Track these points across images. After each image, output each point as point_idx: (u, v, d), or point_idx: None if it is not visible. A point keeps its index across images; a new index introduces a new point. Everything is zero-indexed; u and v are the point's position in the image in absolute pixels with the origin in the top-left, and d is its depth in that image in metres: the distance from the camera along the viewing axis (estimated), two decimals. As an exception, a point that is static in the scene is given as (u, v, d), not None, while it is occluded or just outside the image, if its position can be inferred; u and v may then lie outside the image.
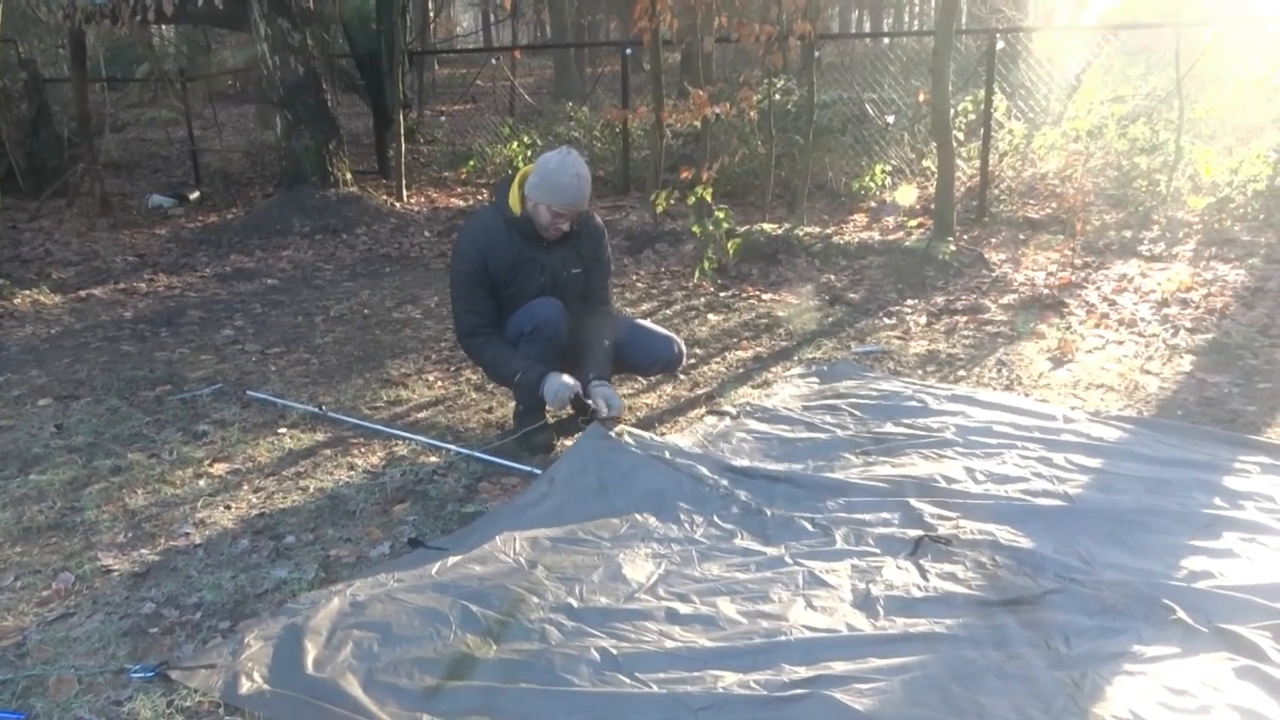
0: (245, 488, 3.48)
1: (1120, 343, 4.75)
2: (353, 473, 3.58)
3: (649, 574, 2.74)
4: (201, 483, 3.53)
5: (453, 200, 9.48)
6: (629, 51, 9.40)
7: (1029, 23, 9.65)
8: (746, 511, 3.08)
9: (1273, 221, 6.77)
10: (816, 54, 7.88)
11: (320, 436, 3.93)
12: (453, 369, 4.75)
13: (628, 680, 2.25)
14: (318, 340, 5.31)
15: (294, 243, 7.91)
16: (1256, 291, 5.43)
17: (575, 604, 2.59)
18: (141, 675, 2.39)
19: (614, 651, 2.36)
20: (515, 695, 2.23)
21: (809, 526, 2.95)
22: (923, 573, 2.66)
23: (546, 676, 2.28)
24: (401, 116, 9.85)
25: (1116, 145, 8.21)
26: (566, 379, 3.63)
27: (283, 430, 3.99)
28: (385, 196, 9.26)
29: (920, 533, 2.85)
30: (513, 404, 3.96)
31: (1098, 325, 5.01)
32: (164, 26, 14.52)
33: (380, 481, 3.49)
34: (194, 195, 9.96)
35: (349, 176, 9.10)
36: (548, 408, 3.76)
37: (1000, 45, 8.03)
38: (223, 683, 2.31)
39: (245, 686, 2.29)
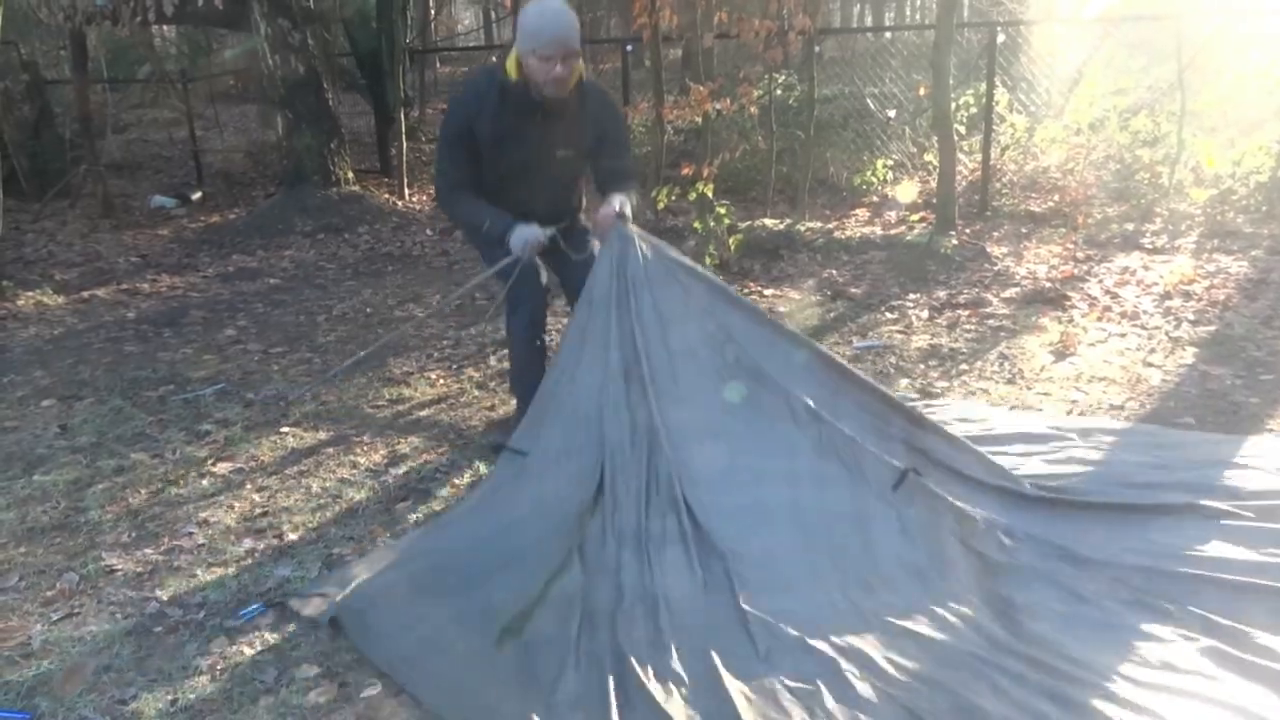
0: (248, 487, 3.49)
1: (1123, 335, 4.75)
2: (355, 471, 3.58)
3: None
4: (205, 482, 3.54)
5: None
6: (629, 49, 9.40)
7: (1030, 16, 9.61)
8: None
9: (1275, 213, 6.76)
10: (817, 49, 7.88)
11: (323, 435, 3.94)
12: (455, 367, 4.75)
13: None
14: (320, 339, 5.32)
15: (296, 242, 7.91)
16: (1259, 283, 5.42)
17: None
18: (253, 612, 2.64)
19: None
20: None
21: None
22: None
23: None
24: (403, 115, 9.85)
25: (1118, 138, 8.19)
26: (535, 227, 3.43)
27: (285, 429, 4.00)
28: (387, 195, 9.27)
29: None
30: (514, 402, 3.96)
31: (1100, 318, 5.01)
32: (165, 27, 14.52)
33: (383, 479, 3.50)
34: (196, 195, 9.96)
35: (351, 175, 9.11)
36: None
37: (1001, 39, 8.00)
38: (331, 609, 2.59)
39: (348, 615, 2.55)
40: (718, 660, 2.31)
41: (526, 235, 3.41)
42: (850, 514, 2.76)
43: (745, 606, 2.48)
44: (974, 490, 2.91)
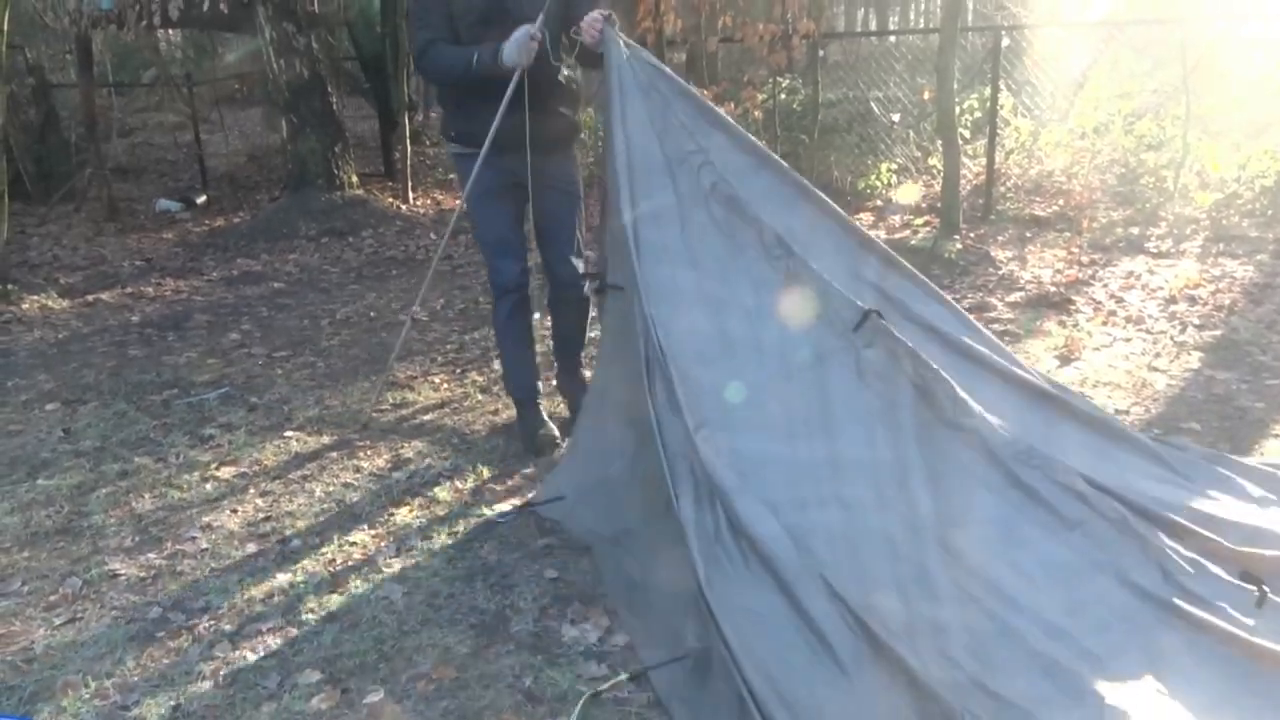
0: (251, 491, 3.49)
1: (1128, 340, 4.73)
2: (359, 475, 3.58)
3: None
4: (208, 487, 3.54)
5: (458, 201, 9.47)
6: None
7: (1034, 19, 9.61)
8: None
9: (1279, 217, 6.75)
10: (821, 53, 7.88)
11: (326, 439, 3.93)
12: (459, 371, 4.75)
13: None
14: (324, 343, 5.32)
15: (300, 246, 7.92)
16: (1265, 287, 5.40)
17: None
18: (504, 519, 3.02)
19: None
20: None
21: None
22: None
23: None
24: (407, 119, 9.86)
25: (1123, 142, 8.17)
26: (521, 29, 3.27)
27: (289, 433, 4.00)
28: (391, 199, 9.27)
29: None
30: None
31: (1105, 323, 4.99)
32: (170, 31, 14.55)
33: (386, 484, 3.50)
34: (201, 199, 9.98)
35: (355, 179, 9.12)
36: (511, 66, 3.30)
37: (1006, 42, 8.00)
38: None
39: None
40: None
41: (518, 39, 3.26)
42: (808, 353, 2.77)
43: (697, 440, 2.50)
44: (938, 342, 2.93)
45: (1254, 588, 2.35)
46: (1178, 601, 2.29)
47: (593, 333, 4.01)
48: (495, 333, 3.87)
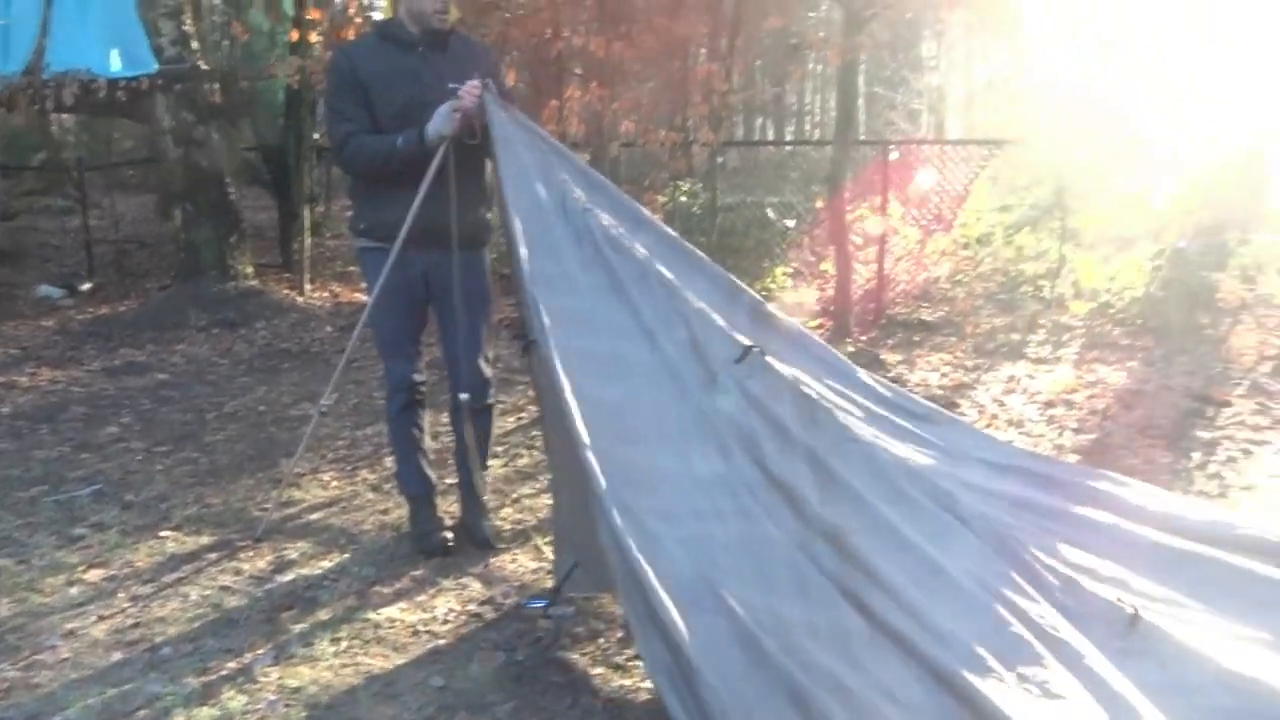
0: (120, 595, 3.30)
1: (1009, 442, 4.89)
2: (238, 578, 3.43)
3: None
4: (74, 590, 3.34)
5: (357, 295, 9.37)
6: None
7: (921, 135, 10.15)
8: None
9: (1149, 326, 7.11)
10: (720, 159, 8.13)
11: (205, 540, 3.77)
12: (349, 469, 4.63)
13: None
14: (208, 438, 5.14)
15: (189, 336, 7.69)
16: (1135, 393, 5.67)
17: None
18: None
19: None
20: None
21: None
22: None
23: None
24: (309, 210, 9.78)
25: (1004, 252, 8.60)
26: (441, 108, 3.28)
27: (165, 533, 3.82)
28: (287, 290, 9.12)
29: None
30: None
31: (988, 425, 5.16)
32: (63, 115, 14.24)
33: (268, 588, 3.35)
34: (86, 286, 9.66)
35: (250, 270, 8.96)
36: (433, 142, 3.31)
37: (894, 155, 8.40)
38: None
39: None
40: None
41: (441, 112, 3.26)
42: (696, 380, 2.85)
43: (587, 451, 2.51)
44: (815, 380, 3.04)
45: (1129, 607, 2.44)
46: (1048, 620, 2.38)
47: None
48: (389, 429, 3.79)
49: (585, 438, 2.53)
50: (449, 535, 3.64)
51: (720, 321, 2.97)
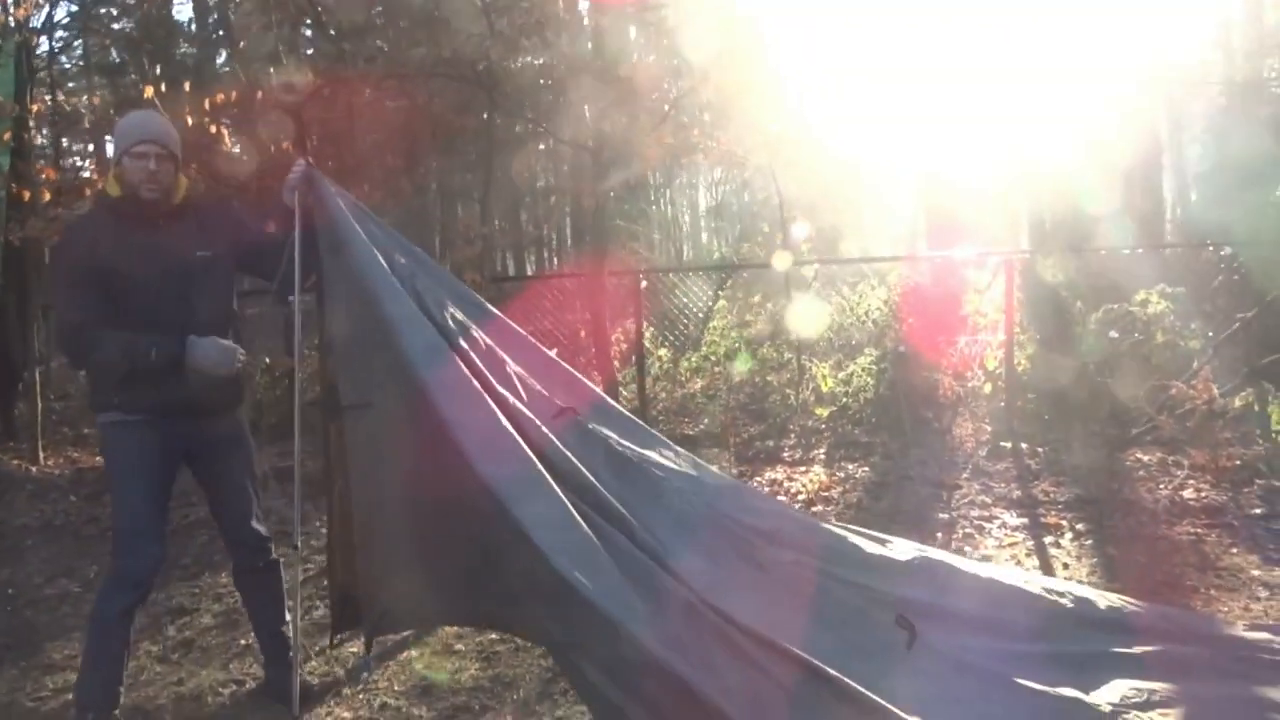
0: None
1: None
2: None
3: None
4: None
5: (99, 459, 8.75)
6: (290, 298, 9.43)
7: (665, 265, 10.92)
8: None
9: (883, 424, 7.91)
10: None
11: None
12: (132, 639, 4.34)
13: None
14: (-47, 630, 4.66)
15: (-95, 522, 6.91)
16: (880, 485, 6.31)
17: None
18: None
19: None
20: None
21: None
22: None
23: None
24: (37, 373, 9.10)
25: (749, 365, 9.32)
26: (220, 342, 3.20)
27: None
28: (16, 461, 8.39)
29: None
30: (205, 671, 3.69)
31: (761, 527, 5.57)
32: None
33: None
34: None
35: (-28, 443, 8.19)
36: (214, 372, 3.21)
37: (644, 284, 9.00)
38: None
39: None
40: None
41: (224, 348, 3.19)
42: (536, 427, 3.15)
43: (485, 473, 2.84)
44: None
45: (906, 631, 2.91)
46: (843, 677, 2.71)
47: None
48: (93, 632, 3.38)
49: (478, 461, 2.79)
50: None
51: (538, 386, 3.31)
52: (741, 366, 9.41)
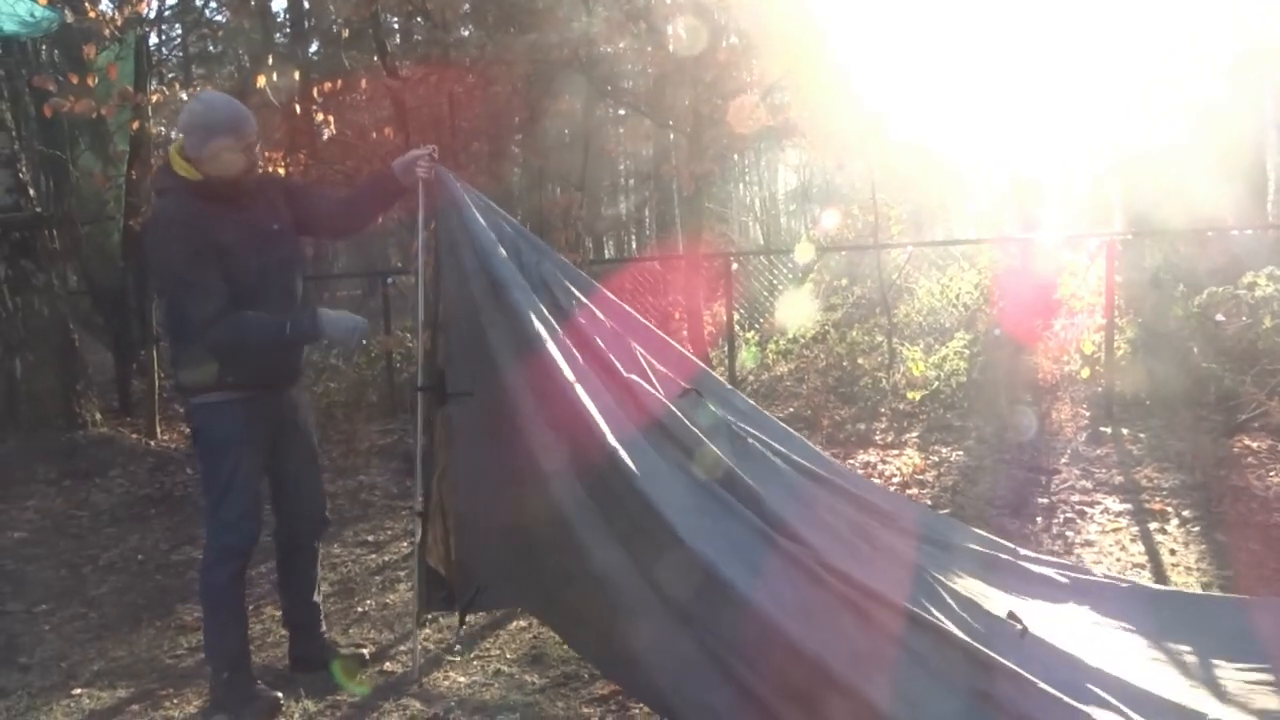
0: (49, 758, 3.22)
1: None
2: (168, 727, 3.40)
3: None
4: (-6, 759, 3.23)
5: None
6: (391, 281, 9.73)
7: (744, 245, 10.94)
8: None
9: (975, 408, 7.85)
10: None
11: (123, 693, 3.70)
12: (253, 607, 4.59)
13: None
14: (92, 592, 4.97)
15: (39, 491, 7.34)
16: (976, 469, 6.28)
17: None
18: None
19: None
20: None
21: None
22: None
23: None
24: (155, 351, 9.55)
25: (838, 349, 9.31)
26: (347, 314, 3.37)
27: (78, 690, 3.72)
28: (136, 435, 8.83)
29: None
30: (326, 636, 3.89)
31: (856, 508, 5.61)
32: None
33: (202, 733, 3.34)
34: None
35: (98, 417, 8.65)
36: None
37: (735, 266, 9.05)
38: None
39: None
40: None
41: (345, 323, 3.29)
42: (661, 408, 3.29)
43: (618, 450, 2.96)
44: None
45: (1018, 624, 3.01)
46: (959, 632, 2.84)
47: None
48: (209, 600, 3.51)
49: (609, 439, 2.89)
50: (277, 693, 3.50)
51: (662, 368, 3.48)
52: (829, 348, 9.40)
